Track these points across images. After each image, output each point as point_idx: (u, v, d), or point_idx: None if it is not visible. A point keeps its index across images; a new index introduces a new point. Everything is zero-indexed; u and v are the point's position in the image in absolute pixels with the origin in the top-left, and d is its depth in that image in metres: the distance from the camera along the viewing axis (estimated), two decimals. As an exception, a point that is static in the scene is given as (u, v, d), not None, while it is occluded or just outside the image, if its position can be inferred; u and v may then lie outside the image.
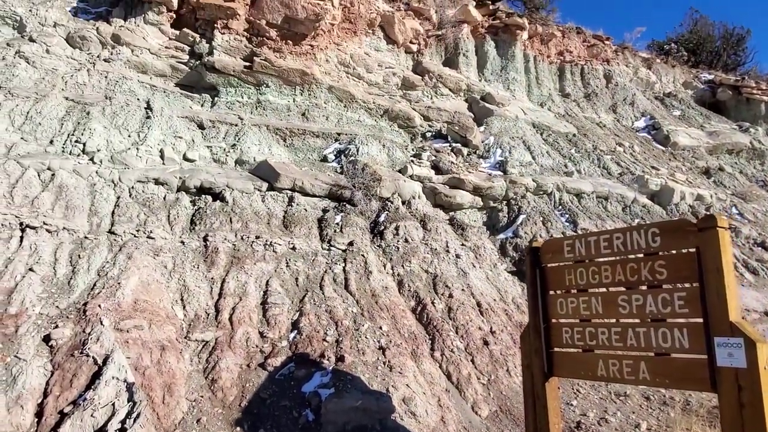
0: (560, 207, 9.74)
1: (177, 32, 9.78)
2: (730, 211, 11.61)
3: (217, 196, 7.54)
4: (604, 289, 3.91)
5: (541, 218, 9.10)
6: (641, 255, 3.69)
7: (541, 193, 9.83)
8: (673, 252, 3.55)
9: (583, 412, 5.63)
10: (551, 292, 4.29)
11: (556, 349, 4.19)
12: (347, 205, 8.17)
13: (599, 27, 18.00)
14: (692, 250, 3.39)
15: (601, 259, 3.93)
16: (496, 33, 14.11)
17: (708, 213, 10.99)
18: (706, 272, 3.28)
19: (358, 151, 9.26)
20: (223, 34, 9.59)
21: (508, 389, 5.71)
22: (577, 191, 10.16)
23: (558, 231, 8.91)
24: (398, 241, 7.57)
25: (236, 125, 8.94)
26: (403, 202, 8.52)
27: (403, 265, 7.15)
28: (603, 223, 9.55)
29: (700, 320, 3.28)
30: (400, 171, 9.19)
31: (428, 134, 11.00)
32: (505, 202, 9.50)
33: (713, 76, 19.87)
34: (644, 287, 3.65)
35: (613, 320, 3.84)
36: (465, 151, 10.39)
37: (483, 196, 9.35)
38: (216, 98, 9.40)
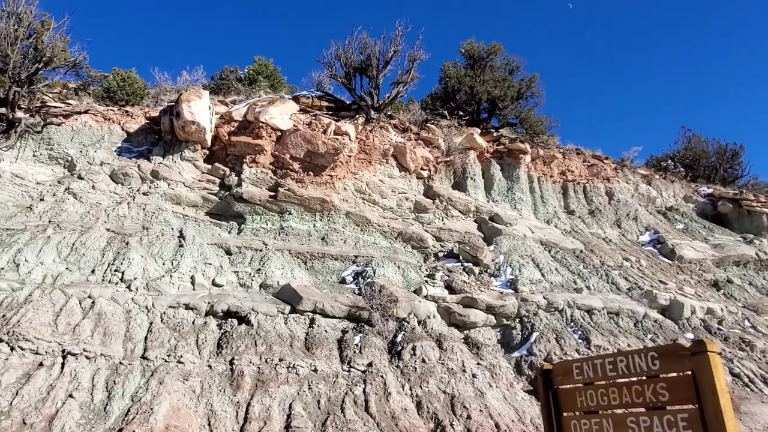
0: (572, 324, 9.97)
1: (209, 166, 10.82)
2: (743, 324, 11.70)
3: (243, 320, 7.96)
4: (614, 411, 4.16)
5: (554, 335, 9.32)
6: (644, 377, 3.99)
7: (553, 310, 10.12)
8: (672, 375, 3.85)
9: None
10: (565, 414, 4.53)
11: (576, 472, 4.34)
12: (365, 325, 8.52)
13: (598, 147, 19.17)
14: (688, 372, 3.69)
15: (609, 382, 4.22)
16: (501, 157, 15.17)
17: (719, 328, 11.14)
18: (702, 395, 3.55)
19: (374, 272, 9.77)
20: (251, 167, 10.59)
21: None
22: (588, 308, 10.44)
23: (572, 348, 9.09)
24: (415, 361, 7.82)
25: (261, 250, 9.59)
26: (419, 322, 8.85)
27: (421, 386, 7.35)
28: (616, 339, 9.72)
29: (705, 441, 3.51)
30: (415, 291, 9.62)
31: (440, 254, 11.55)
32: (518, 320, 9.77)
33: (712, 190, 20.70)
34: (649, 409, 3.91)
35: (626, 441, 4.05)
36: (476, 270, 10.86)
37: (496, 315, 9.66)
38: (242, 225, 10.16)
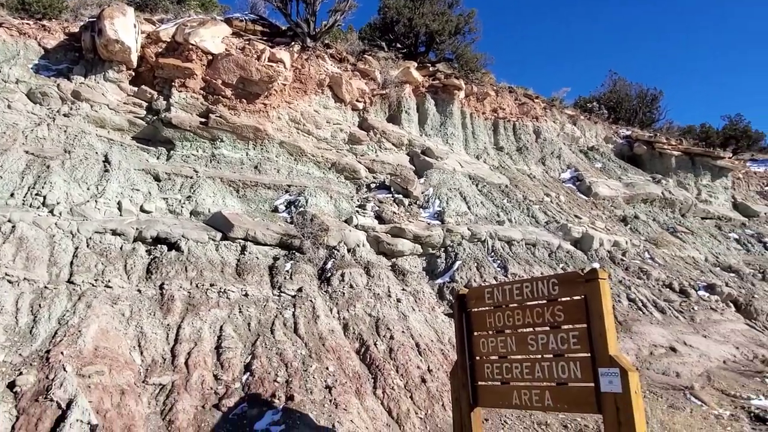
0: (493, 253, 10.67)
1: (135, 89, 10.31)
2: (643, 256, 12.93)
3: (173, 246, 7.98)
4: (517, 330, 4.67)
5: (476, 264, 9.97)
6: (544, 301, 4.48)
7: (476, 240, 10.75)
8: (568, 299, 4.35)
9: (508, 441, 6.33)
10: (475, 333, 5.03)
11: (479, 383, 4.89)
12: (297, 253, 8.77)
13: (529, 86, 19.67)
14: (582, 297, 4.20)
15: (514, 305, 4.71)
16: (435, 92, 15.33)
17: (623, 259, 12.24)
18: (591, 316, 4.07)
19: (307, 202, 9.93)
20: (181, 92, 10.20)
21: (443, 422, 6.34)
22: (508, 239, 11.17)
23: (490, 276, 9.79)
24: (344, 287, 8.22)
25: (191, 177, 9.47)
26: (349, 250, 9.21)
27: (348, 309, 7.78)
28: (531, 268, 10.54)
29: (589, 355, 4.07)
30: (346, 221, 9.90)
31: (373, 186, 11.83)
32: (442, 249, 10.35)
33: (630, 132, 21.93)
34: (548, 328, 4.44)
35: (525, 356, 4.60)
36: (406, 201, 11.25)
37: (422, 244, 10.17)
38: (172, 151, 9.91)
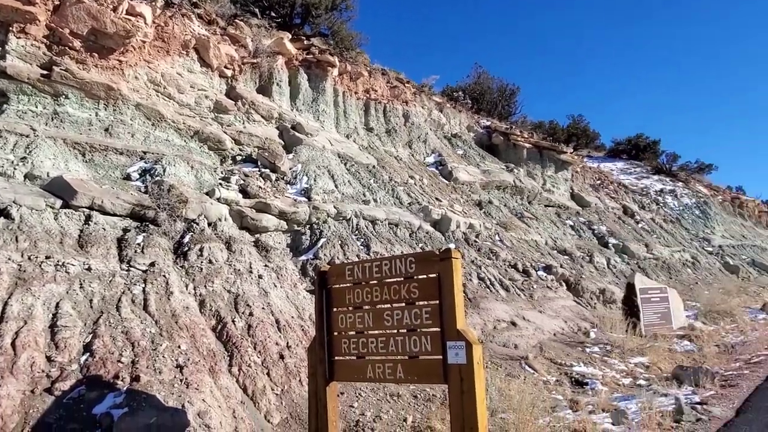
0: (357, 232, 10.88)
1: (-43, 28, 8.77)
2: (494, 238, 14.03)
3: (2, 213, 7.01)
4: (374, 306, 4.82)
5: (340, 242, 10.10)
6: (402, 278, 4.66)
7: (341, 218, 10.88)
8: (424, 276, 4.57)
9: (362, 412, 6.55)
10: (334, 309, 5.11)
11: (336, 358, 4.99)
12: (150, 225, 8.19)
13: (401, 70, 20.17)
14: (435, 275, 4.43)
15: (373, 282, 4.84)
16: (309, 67, 15.08)
17: (476, 240, 13.15)
18: (443, 292, 4.32)
19: (164, 171, 9.28)
20: (19, 38, 8.87)
21: (299, 397, 6.39)
22: (373, 218, 11.45)
23: (353, 253, 9.98)
24: (202, 262, 7.85)
25: (28, 136, 8.34)
26: (210, 224, 8.80)
27: (205, 286, 7.46)
28: (392, 246, 10.92)
29: (439, 329, 4.32)
30: (207, 193, 9.44)
31: (238, 158, 11.39)
32: (308, 227, 10.32)
33: (490, 123, 23.49)
34: (403, 304, 4.63)
35: (381, 331, 4.77)
36: (273, 176, 11.01)
37: (288, 221, 10.05)
38: (5, 105, 8.63)
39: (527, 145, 21.73)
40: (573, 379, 8.57)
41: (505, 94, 26.61)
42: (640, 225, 24.76)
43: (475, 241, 13.12)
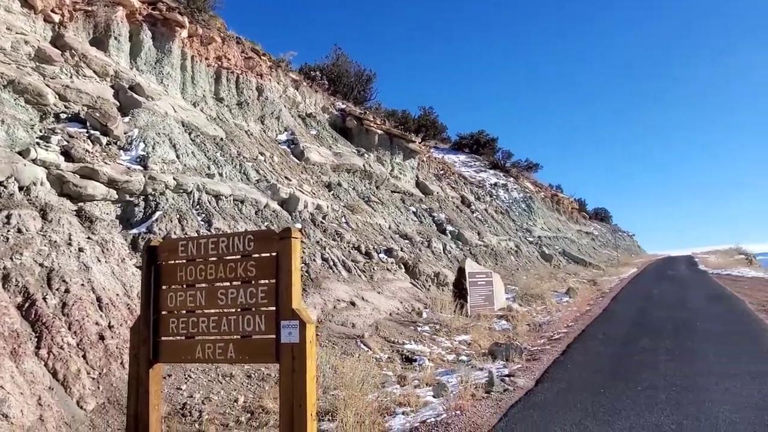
0: (198, 206, 10.34)
1: None
2: (341, 220, 14.28)
3: None
4: (208, 284, 4.63)
5: (178, 216, 9.51)
6: (239, 256, 4.53)
7: (181, 191, 10.24)
8: (262, 255, 4.49)
9: (190, 394, 6.29)
10: (164, 287, 4.80)
11: (162, 338, 4.70)
12: (-58, 184, 6.95)
13: (258, 41, 19.45)
14: (274, 254, 4.37)
15: (210, 259, 4.64)
16: (154, 24, 13.86)
17: (323, 221, 13.27)
18: (280, 272, 4.28)
19: (-36, 122, 7.92)
20: None
21: (120, 381, 5.93)
22: (217, 193, 10.96)
23: (193, 229, 9.47)
24: (9, 231, 6.86)
25: None
26: (21, 189, 7.72)
27: (12, 258, 6.54)
28: (236, 224, 10.57)
29: (274, 309, 4.28)
30: (21, 153, 8.24)
31: (63, 116, 10.10)
32: (142, 198, 9.55)
33: (345, 106, 23.73)
34: (239, 283, 4.51)
35: (213, 310, 4.60)
36: (104, 140, 9.97)
37: (119, 190, 9.20)
38: None
39: (379, 131, 22.37)
40: (404, 356, 9.10)
41: (362, 79, 27.04)
42: (474, 215, 26.94)
43: (322, 222, 13.24)
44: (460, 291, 13.81)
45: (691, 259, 43.54)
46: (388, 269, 13.14)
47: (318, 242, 12.12)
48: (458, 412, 5.81)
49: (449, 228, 21.81)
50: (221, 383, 6.77)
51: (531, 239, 31.79)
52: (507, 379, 7.30)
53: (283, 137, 17.08)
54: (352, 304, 10.59)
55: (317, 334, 8.90)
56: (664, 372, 7.01)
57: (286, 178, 14.00)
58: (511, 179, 40.84)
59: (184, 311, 4.68)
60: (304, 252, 10.91)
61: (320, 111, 21.49)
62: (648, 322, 11.55)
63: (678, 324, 10.90)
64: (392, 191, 20.58)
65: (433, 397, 6.64)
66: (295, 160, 16.18)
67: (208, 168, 11.81)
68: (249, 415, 6.00)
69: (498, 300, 14.40)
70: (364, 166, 19.06)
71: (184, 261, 4.75)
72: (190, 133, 12.58)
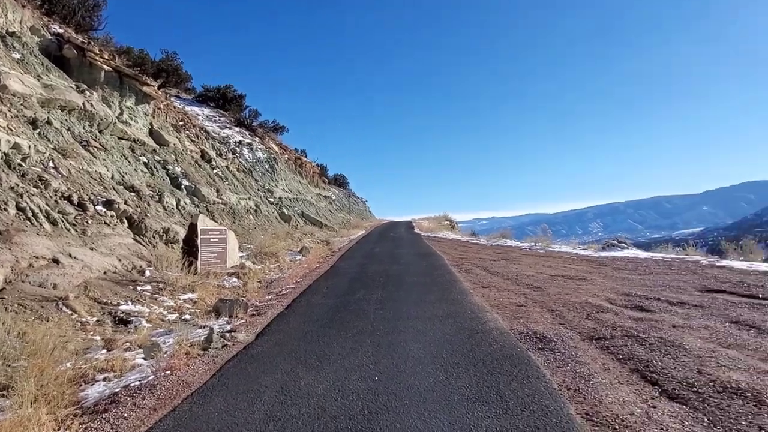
0: None
1: None
2: (47, 165, 12.13)
3: None
4: None
5: None
6: None
7: None
8: None
9: None
10: None
11: None
12: None
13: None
14: None
15: None
16: None
17: (21, 164, 11.09)
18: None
19: None
20: None
21: None
22: None
23: None
24: None
25: None
26: None
27: None
28: None
29: None
30: None
31: None
32: None
33: (64, 31, 20.11)
34: None
35: None
36: None
37: None
38: None
39: (107, 67, 19.57)
40: (117, 318, 8.27)
41: (88, 3, 23.19)
42: (215, 171, 25.91)
43: (21, 165, 11.01)
44: (190, 248, 13.17)
45: (410, 223, 49.61)
46: (106, 223, 11.69)
47: (13, 188, 10.07)
48: (168, 372, 5.51)
49: (185, 183, 20.53)
50: None
51: (272, 200, 32.14)
52: (228, 334, 7.22)
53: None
54: (56, 261, 9.13)
55: (1, 297, 7.46)
56: (372, 319, 7.76)
57: (-31, 106, 11.21)
58: (257, 139, 40.44)
59: None
60: (-10, 199, 8.91)
61: (27, 31, 17.74)
62: (366, 276, 12.74)
63: (391, 277, 12.27)
64: (120, 138, 18.34)
65: (144, 359, 6.18)
66: (-14, 85, 13.07)
67: None
68: None
69: (231, 258, 14.18)
70: (84, 104, 16.47)
71: None
72: None
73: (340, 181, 75.41)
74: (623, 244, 17.04)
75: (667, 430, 3.67)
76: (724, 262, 12.03)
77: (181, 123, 27.75)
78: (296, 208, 35.82)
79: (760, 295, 7.89)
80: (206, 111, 39.63)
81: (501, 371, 5.01)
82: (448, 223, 46.60)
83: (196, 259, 12.82)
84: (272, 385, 5.02)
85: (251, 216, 24.85)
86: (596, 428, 3.76)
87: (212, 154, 27.95)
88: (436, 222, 46.10)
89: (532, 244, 21.28)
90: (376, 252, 19.79)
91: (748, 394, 4.09)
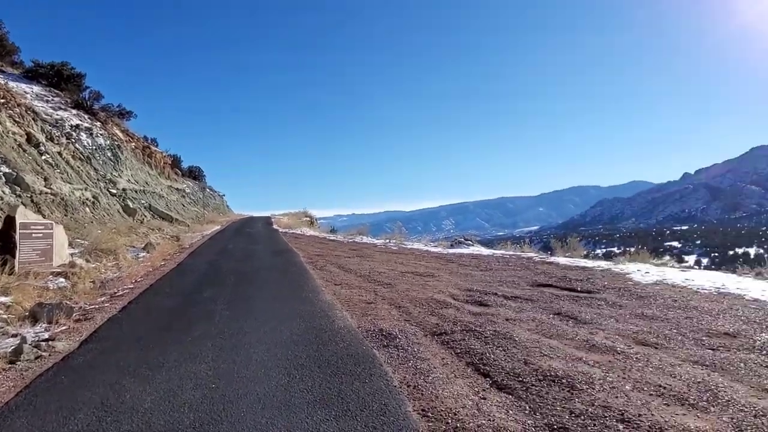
0: None
1: None
2: None
3: None
4: None
5: None
6: None
7: None
8: None
9: None
10: None
11: None
12: None
13: None
14: None
15: None
16: None
17: None
18: None
19: None
20: None
21: None
22: None
23: None
24: None
25: None
26: None
27: None
28: None
29: None
30: None
31: None
32: None
33: None
34: None
35: None
36: None
37: None
38: None
39: None
40: None
41: None
42: (44, 157, 22.95)
43: None
44: (6, 245, 11.47)
45: (268, 219, 48.40)
46: None
47: None
48: (-45, 393, 4.65)
49: (4, 170, 17.88)
50: None
51: (114, 191, 29.35)
52: (44, 344, 6.34)
53: None
54: None
55: None
56: (218, 321, 7.32)
57: None
58: (98, 123, 36.61)
59: None
60: None
61: None
62: (216, 274, 12.09)
63: (243, 275, 11.76)
64: None
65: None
66: None
67: None
68: None
69: (59, 255, 12.62)
70: None
71: None
72: None
73: (195, 174, 71.36)
74: (469, 242, 18.21)
75: (494, 419, 3.87)
76: (552, 259, 13.36)
77: (2, 101, 24.17)
78: (143, 201, 33.13)
79: (579, 288, 8.84)
80: (36, 89, 35.02)
81: (345, 371, 4.97)
82: (308, 219, 46.32)
83: (14, 257, 11.20)
84: (90, 401, 4.46)
85: (87, 208, 22.44)
86: (431, 424, 3.86)
87: (41, 137, 24.74)
88: (296, 218, 45.57)
89: (387, 241, 21.89)
90: (230, 248, 18.95)
91: (564, 381, 4.48)
